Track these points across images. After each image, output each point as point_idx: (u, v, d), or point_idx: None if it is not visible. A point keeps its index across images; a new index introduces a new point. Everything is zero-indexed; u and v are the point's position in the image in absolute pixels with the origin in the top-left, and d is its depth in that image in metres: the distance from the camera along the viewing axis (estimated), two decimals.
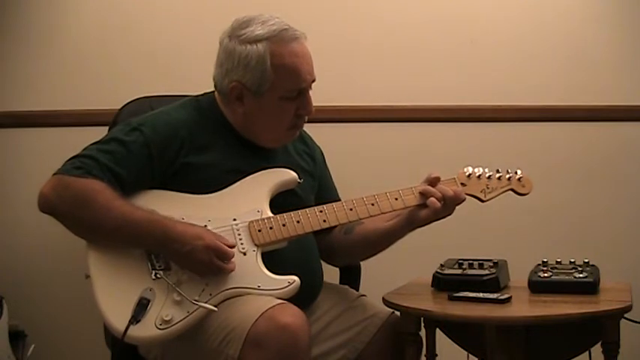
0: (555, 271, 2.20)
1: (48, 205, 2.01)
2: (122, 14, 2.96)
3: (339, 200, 2.26)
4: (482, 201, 2.20)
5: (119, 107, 2.54)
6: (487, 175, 2.21)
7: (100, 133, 2.16)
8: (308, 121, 2.35)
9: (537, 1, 2.98)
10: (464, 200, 2.13)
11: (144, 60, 2.95)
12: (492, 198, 2.20)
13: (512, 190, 2.22)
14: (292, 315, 1.90)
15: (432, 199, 2.10)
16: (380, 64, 2.97)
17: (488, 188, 2.20)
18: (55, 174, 2.02)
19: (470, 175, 2.20)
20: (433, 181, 2.13)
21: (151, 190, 2.06)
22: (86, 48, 2.96)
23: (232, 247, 2.00)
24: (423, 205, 2.12)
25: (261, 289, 1.99)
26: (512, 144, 2.96)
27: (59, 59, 2.96)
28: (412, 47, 2.97)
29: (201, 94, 2.21)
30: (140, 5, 2.96)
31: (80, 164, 2.00)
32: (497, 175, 2.22)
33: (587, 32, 2.98)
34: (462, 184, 2.18)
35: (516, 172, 2.23)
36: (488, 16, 2.98)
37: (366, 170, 2.88)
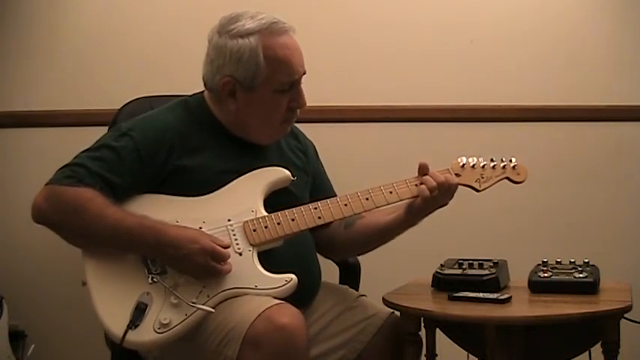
0: (555, 271, 2.20)
1: (41, 216, 2.00)
2: (122, 14, 2.96)
3: (334, 195, 2.25)
4: (477, 190, 2.18)
5: (119, 107, 2.53)
6: (481, 164, 2.19)
7: (99, 133, 2.15)
8: (308, 121, 2.35)
9: (537, 1, 2.98)
10: (456, 187, 2.12)
11: (144, 60, 2.95)
12: (487, 187, 2.18)
13: (507, 178, 2.20)
14: (290, 315, 1.89)
15: (422, 186, 2.09)
16: (380, 64, 2.97)
17: (482, 177, 2.18)
18: (47, 184, 2.01)
19: (464, 165, 2.18)
20: (422, 168, 2.13)
21: (144, 195, 2.05)
22: (86, 48, 2.96)
23: (227, 247, 1.99)
24: (418, 197, 2.11)
25: (258, 289, 1.98)
26: (512, 144, 2.95)
27: (59, 59, 2.97)
28: (412, 47, 2.97)
29: (190, 95, 2.19)
30: (140, 5, 2.97)
31: (71, 173, 2.00)
32: (492, 163, 2.20)
33: (587, 32, 2.98)
34: (457, 174, 2.16)
35: (511, 160, 2.21)
36: (488, 16, 2.98)
37: (366, 170, 2.88)
